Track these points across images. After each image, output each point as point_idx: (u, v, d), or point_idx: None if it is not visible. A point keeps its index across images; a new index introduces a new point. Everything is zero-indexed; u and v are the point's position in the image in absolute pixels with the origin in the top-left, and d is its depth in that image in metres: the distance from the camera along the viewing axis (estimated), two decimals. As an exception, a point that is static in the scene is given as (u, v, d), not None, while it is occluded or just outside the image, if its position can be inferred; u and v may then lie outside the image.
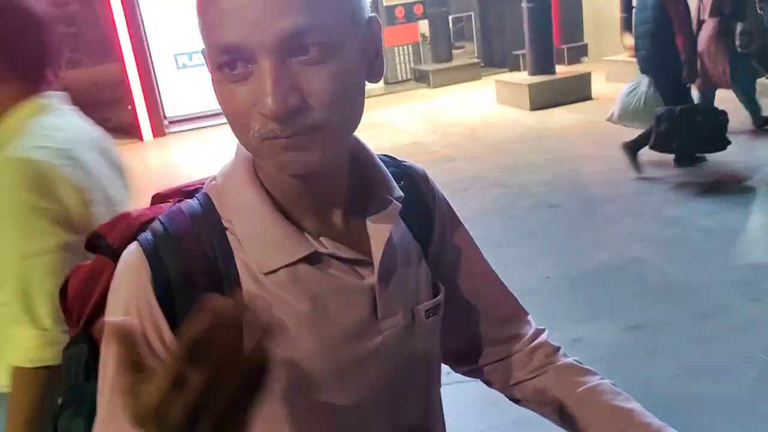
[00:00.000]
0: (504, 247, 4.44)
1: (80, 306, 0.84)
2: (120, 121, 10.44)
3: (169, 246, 0.73)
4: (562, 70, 9.17)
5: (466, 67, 11.27)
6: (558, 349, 0.98)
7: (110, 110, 10.81)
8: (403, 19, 11.58)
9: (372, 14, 0.74)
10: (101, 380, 0.72)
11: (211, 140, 9.40)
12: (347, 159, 0.79)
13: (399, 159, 0.93)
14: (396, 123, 8.82)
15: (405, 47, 11.75)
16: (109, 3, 9.72)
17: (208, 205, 0.77)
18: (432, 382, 0.88)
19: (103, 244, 0.82)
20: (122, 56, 9.92)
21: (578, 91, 8.28)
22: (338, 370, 0.75)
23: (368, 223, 0.79)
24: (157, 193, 0.88)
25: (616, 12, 9.06)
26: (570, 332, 3.30)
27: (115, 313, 0.72)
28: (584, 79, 8.46)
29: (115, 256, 0.77)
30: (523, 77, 8.79)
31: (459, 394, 2.91)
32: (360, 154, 0.82)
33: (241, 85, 0.66)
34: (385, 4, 11.41)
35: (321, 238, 0.76)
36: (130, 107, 10.08)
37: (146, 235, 0.75)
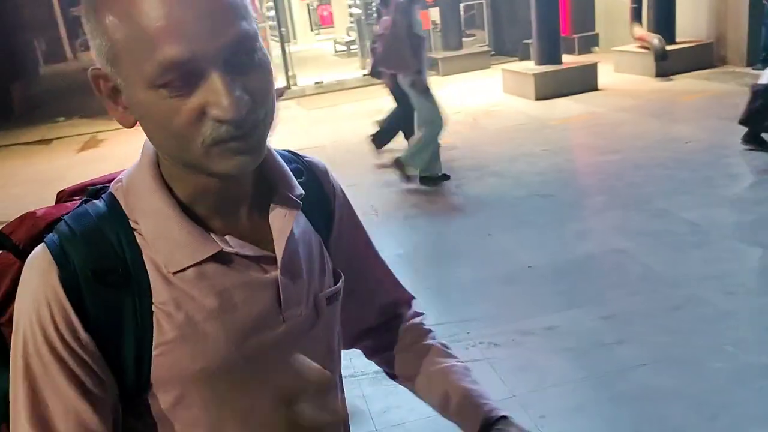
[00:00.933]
0: (492, 236, 4.52)
1: None
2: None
3: (76, 246, 0.75)
4: (571, 59, 9.15)
5: (475, 55, 11.26)
6: (429, 332, 1.08)
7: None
8: (415, 6, 11.58)
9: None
10: (13, 395, 0.74)
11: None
12: None
13: (300, 154, 0.96)
14: (402, 110, 8.86)
15: (415, 34, 11.75)
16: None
17: (114, 206, 0.79)
18: (334, 364, 0.93)
19: (8, 244, 0.82)
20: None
21: (584, 81, 8.26)
22: (246, 360, 0.80)
23: (271, 219, 0.83)
24: (62, 191, 0.89)
25: (627, 1, 9.02)
26: (545, 320, 3.38)
27: (25, 313, 0.74)
28: (591, 70, 8.44)
29: (21, 255, 0.79)
30: (529, 66, 8.79)
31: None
32: None
33: (186, 98, 0.68)
34: (397, -10, 11.42)
35: (227, 237, 0.80)
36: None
37: (52, 236, 0.76)
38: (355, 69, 13.14)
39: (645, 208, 4.62)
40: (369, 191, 5.75)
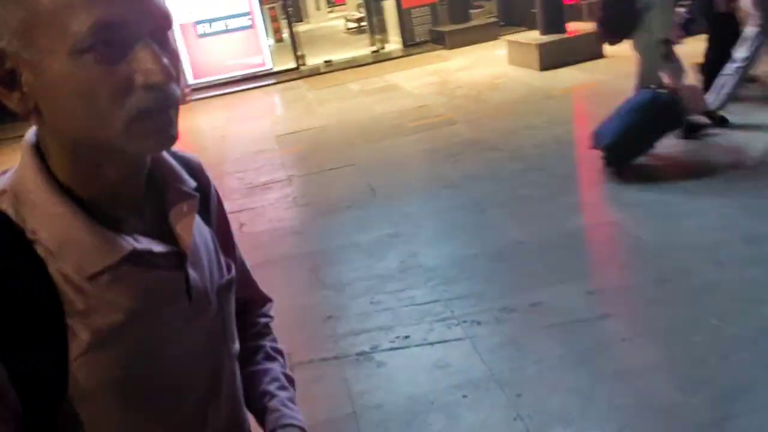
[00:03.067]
0: (486, 211, 4.48)
1: None
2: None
3: None
4: (578, 27, 8.95)
5: (483, 27, 11.08)
6: (267, 334, 1.12)
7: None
8: (421, -20, 11.44)
9: None
10: None
11: (230, 106, 9.57)
12: None
13: (173, 150, 0.92)
14: (407, 86, 8.79)
15: (422, 8, 11.60)
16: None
17: (3, 220, 0.74)
18: (233, 344, 0.95)
19: None
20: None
21: (590, 50, 8.08)
22: (163, 356, 0.80)
23: (171, 215, 0.83)
24: None
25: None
26: (531, 296, 3.35)
27: None
28: (596, 38, 8.23)
29: None
30: (533, 37, 8.62)
31: (410, 357, 3.03)
32: None
33: (113, 66, 0.67)
34: (402, -37, 11.27)
35: (134, 236, 0.78)
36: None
37: None
38: (365, 46, 13.03)
39: (639, 179, 4.52)
40: (366, 171, 5.73)
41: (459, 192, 4.91)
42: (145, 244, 0.78)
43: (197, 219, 0.88)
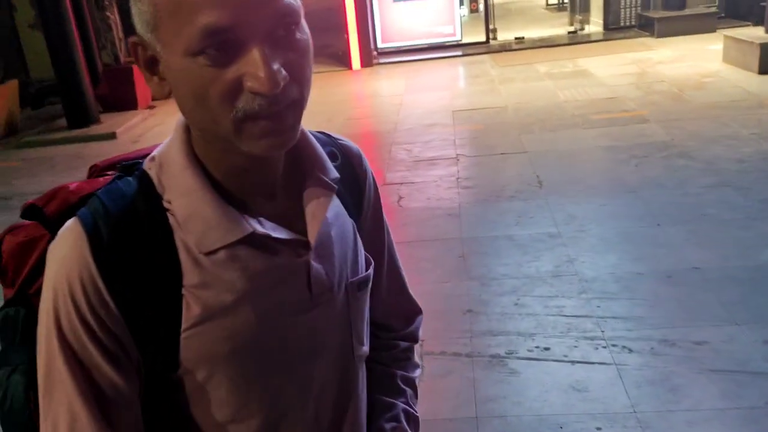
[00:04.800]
0: (663, 226, 4.05)
1: (15, 266, 0.85)
2: (337, 49, 11.06)
3: (109, 225, 0.74)
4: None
5: (699, 17, 10.00)
6: (403, 359, 1.04)
7: (333, 37, 11.48)
8: (634, -40, 10.55)
9: None
10: (41, 358, 0.75)
11: (412, 74, 9.58)
12: None
13: (334, 136, 0.95)
14: (599, 74, 8.21)
15: (633, -10, 10.74)
16: (337, -67, 10.14)
17: (147, 184, 0.78)
18: (362, 350, 0.92)
19: (40, 216, 0.83)
20: (343, -15, 10.38)
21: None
22: (275, 343, 0.80)
23: (305, 202, 0.82)
24: (94, 165, 0.90)
25: None
26: (698, 332, 2.98)
27: (58, 286, 0.73)
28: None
29: (52, 227, 0.79)
30: (757, 35, 7.60)
31: (547, 372, 2.82)
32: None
33: (224, 68, 0.67)
34: (617, -60, 10.46)
35: (260, 219, 0.78)
36: (345, 36, 10.57)
37: (86, 210, 0.76)
38: (562, 25, 12.39)
39: None
40: (537, 161, 5.44)
41: (635, 199, 4.48)
42: (267, 228, 0.78)
43: (339, 211, 0.88)
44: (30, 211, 0.83)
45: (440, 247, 4.13)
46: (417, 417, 1.01)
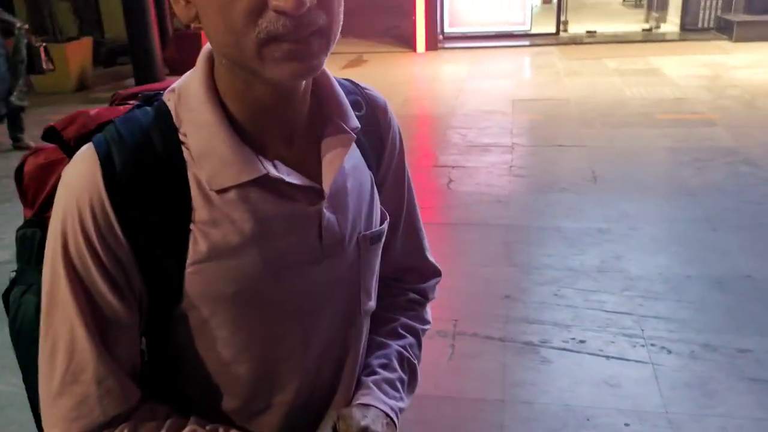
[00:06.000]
0: (718, 231, 3.92)
1: (35, 188, 0.87)
2: (404, 30, 11.02)
3: (123, 151, 0.73)
4: None
5: (784, 22, 9.53)
6: (405, 310, 1.02)
7: (399, 19, 11.46)
8: (722, -42, 10.12)
9: None
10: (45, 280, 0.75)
11: (475, 61, 9.47)
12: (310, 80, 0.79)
13: (361, 86, 0.92)
14: (670, 73, 7.94)
15: (714, -10, 10.31)
16: None
17: (164, 116, 0.77)
18: (369, 305, 0.91)
19: (58, 139, 0.83)
20: (414, -33, 10.32)
21: None
22: (280, 289, 0.79)
23: (322, 150, 0.80)
24: (116, 93, 0.89)
25: None
26: (742, 341, 2.88)
27: (68, 210, 0.73)
28: None
29: (70, 151, 0.79)
30: None
31: (580, 364, 2.77)
32: (322, 76, 0.82)
33: None
34: (703, -62, 10.05)
35: (275, 162, 0.77)
36: (413, 18, 10.53)
37: (100, 137, 0.75)
38: (637, 22, 12.01)
39: None
40: (595, 156, 5.31)
41: (693, 202, 4.34)
42: (282, 172, 0.76)
43: (357, 162, 0.86)
44: (50, 134, 0.84)
45: (485, 231, 4.10)
46: (414, 364, 0.97)
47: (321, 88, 0.82)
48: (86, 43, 8.99)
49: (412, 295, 1.02)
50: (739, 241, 3.78)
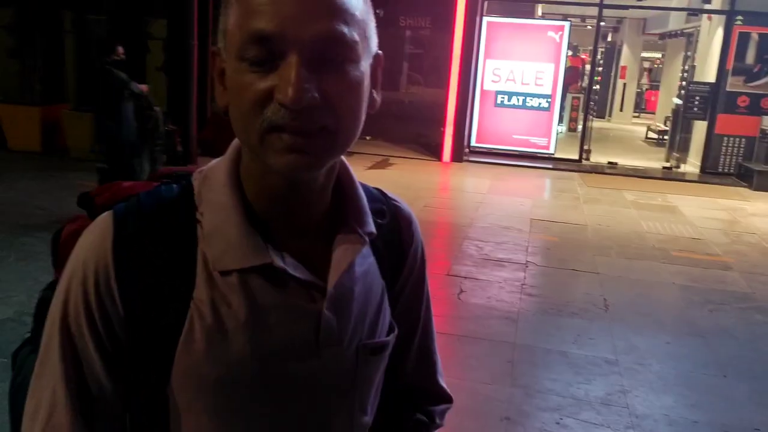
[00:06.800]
0: (728, 378, 3.83)
1: (65, 253, 0.87)
2: (432, 139, 11.37)
3: (138, 219, 0.75)
4: None
5: (804, 177, 9.71)
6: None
7: (428, 128, 11.85)
8: (745, 110, 10.46)
9: (379, 51, 0.77)
10: (47, 331, 0.76)
11: (498, 177, 9.68)
12: (333, 179, 0.80)
13: (389, 195, 0.93)
14: (688, 213, 8.04)
15: (736, 139, 10.58)
16: (453, 37, 10.64)
17: (187, 193, 0.79)
18: (365, 420, 0.87)
19: (89, 205, 0.88)
20: (448, 83, 10.77)
21: None
22: (266, 383, 0.76)
23: (334, 249, 0.80)
24: (158, 170, 0.95)
25: None
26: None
27: (76, 269, 0.75)
28: None
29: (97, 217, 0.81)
30: None
31: None
32: (345, 177, 0.83)
33: (263, 75, 0.68)
34: (728, 89, 10.44)
35: (283, 252, 0.76)
36: (442, 129, 10.89)
37: (122, 205, 0.78)
38: (658, 159, 12.30)
39: None
40: (607, 284, 5.31)
41: (703, 344, 4.28)
42: (288, 264, 0.75)
43: (370, 269, 0.84)
44: (84, 200, 0.88)
45: (490, 347, 4.05)
46: None
47: (343, 188, 0.83)
48: (127, 115, 9.35)
49: (420, 416, 0.98)
50: (749, 392, 3.69)
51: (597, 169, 10.91)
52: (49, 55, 9.18)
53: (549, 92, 11.16)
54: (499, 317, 4.49)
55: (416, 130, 12.71)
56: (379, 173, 9.37)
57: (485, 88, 11.25)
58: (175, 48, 8.46)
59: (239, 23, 0.68)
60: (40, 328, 0.84)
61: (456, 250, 5.94)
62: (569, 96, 15.46)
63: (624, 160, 11.71)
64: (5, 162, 8.29)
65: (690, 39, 13.85)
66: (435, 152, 10.93)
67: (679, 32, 14.88)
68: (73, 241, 0.88)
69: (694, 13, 12.16)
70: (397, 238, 0.89)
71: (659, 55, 21.70)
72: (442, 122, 10.86)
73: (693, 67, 12.41)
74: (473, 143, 11.38)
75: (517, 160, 11.02)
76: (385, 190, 0.93)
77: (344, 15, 0.68)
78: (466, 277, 5.19)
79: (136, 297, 0.73)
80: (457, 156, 10.77)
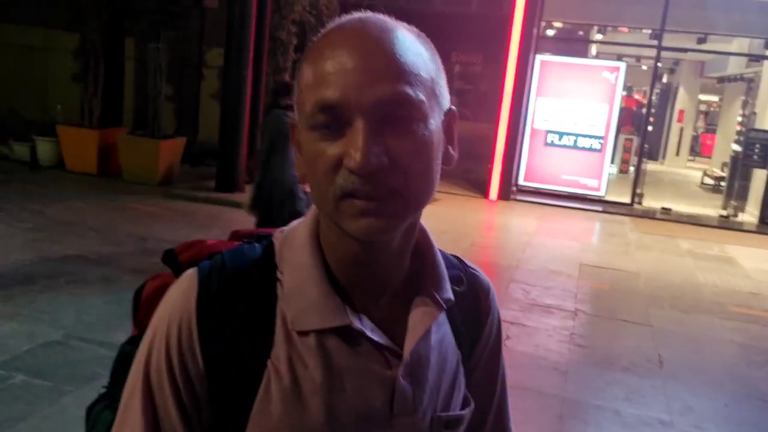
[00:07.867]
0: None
1: (146, 310, 0.90)
2: (479, 175, 11.27)
3: (221, 278, 0.76)
4: None
5: None
6: None
7: (476, 164, 11.75)
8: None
9: (452, 107, 0.76)
10: (128, 387, 0.77)
11: (546, 218, 9.49)
12: (412, 243, 0.80)
13: (467, 263, 0.92)
14: (746, 265, 7.70)
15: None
16: (505, 74, 10.58)
17: (269, 253, 0.80)
18: None
19: (173, 262, 0.89)
20: (498, 120, 10.69)
21: None
22: None
23: (410, 314, 0.79)
24: (236, 231, 0.94)
25: None
26: None
27: (160, 325, 0.76)
28: None
29: (181, 274, 0.82)
30: None
31: None
32: (423, 243, 0.83)
33: (332, 143, 0.68)
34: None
35: (361, 315, 0.76)
36: (489, 166, 10.78)
37: (207, 263, 0.79)
38: (714, 207, 11.91)
39: None
40: (661, 338, 5.07)
41: (765, 409, 4.02)
42: (365, 326, 0.75)
43: (446, 337, 0.83)
44: (168, 257, 0.89)
45: (538, 400, 3.87)
46: None
47: (422, 253, 0.82)
48: (179, 142, 9.54)
49: None
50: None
51: (649, 214, 10.62)
52: (109, 80, 9.45)
53: (602, 133, 10.97)
54: (548, 368, 4.32)
55: (463, 166, 12.62)
56: (424, 209, 9.28)
57: (535, 126, 11.13)
58: (229, 77, 8.61)
59: (308, 94, 0.70)
60: (117, 382, 0.87)
61: (502, 292, 5.79)
62: (621, 137, 15.18)
63: (678, 206, 11.37)
64: (63, 182, 8.53)
65: (750, 84, 13.48)
66: (482, 189, 10.81)
67: (738, 77, 14.52)
68: (154, 297, 0.90)
69: (755, 58, 11.86)
70: (474, 307, 0.88)
71: (716, 99, 21.20)
72: (489, 158, 10.75)
73: (753, 113, 12.05)
74: (521, 182, 11.22)
75: (566, 201, 10.82)
76: (463, 258, 0.92)
77: (407, 77, 0.68)
78: (512, 323, 5.03)
79: (217, 353, 0.74)
80: (505, 194, 10.62)
